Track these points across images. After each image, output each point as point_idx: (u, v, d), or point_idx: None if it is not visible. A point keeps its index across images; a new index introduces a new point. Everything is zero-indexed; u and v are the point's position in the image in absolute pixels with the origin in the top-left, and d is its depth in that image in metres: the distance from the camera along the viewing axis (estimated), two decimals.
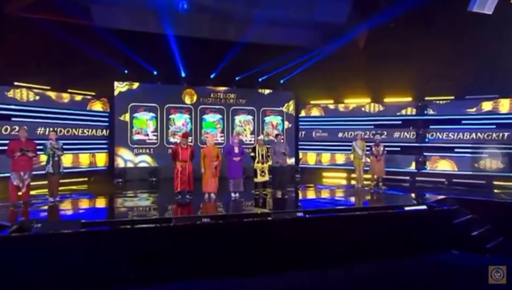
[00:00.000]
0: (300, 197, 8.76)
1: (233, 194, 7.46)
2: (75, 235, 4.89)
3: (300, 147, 12.47)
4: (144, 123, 10.82)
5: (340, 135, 11.96)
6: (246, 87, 11.91)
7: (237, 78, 11.76)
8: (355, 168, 9.53)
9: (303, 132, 12.59)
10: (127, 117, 10.69)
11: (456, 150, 10.36)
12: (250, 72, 11.47)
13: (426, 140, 10.89)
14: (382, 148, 9.38)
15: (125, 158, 10.68)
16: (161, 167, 10.68)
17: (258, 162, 7.82)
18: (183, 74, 11.15)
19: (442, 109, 10.62)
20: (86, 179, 10.11)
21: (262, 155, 7.83)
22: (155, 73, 10.91)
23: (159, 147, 10.96)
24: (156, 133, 10.92)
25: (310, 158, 12.48)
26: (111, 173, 10.55)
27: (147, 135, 10.82)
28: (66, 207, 7.00)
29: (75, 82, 9.88)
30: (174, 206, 7.10)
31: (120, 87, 10.65)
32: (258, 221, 5.90)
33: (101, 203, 8.06)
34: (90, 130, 10.31)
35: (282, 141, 8.33)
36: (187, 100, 11.33)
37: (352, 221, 6.32)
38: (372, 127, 11.53)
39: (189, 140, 8.10)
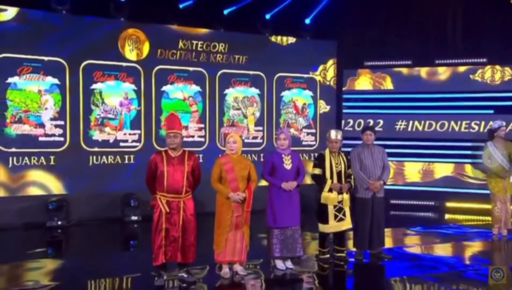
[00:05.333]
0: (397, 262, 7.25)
1: (280, 264, 6.45)
2: None
3: (347, 149, 11.45)
4: (35, 99, 9.62)
5: (431, 126, 11.36)
6: (246, 31, 10.94)
7: (228, 12, 10.80)
8: (491, 195, 8.29)
9: (353, 121, 11.67)
10: None
11: None
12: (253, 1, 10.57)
13: None
14: None
15: None
16: (75, 196, 9.62)
17: (329, 190, 6.68)
18: None
19: None
20: None
21: (339, 174, 6.72)
22: None
23: (70, 153, 9.76)
24: (62, 122, 9.77)
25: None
26: None
27: (42, 125, 9.66)
28: None
29: None
30: None
31: None
32: None
33: None
34: None
35: (371, 141, 7.15)
36: (130, 52, 10.17)
37: None
38: (492, 112, 10.66)
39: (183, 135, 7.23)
